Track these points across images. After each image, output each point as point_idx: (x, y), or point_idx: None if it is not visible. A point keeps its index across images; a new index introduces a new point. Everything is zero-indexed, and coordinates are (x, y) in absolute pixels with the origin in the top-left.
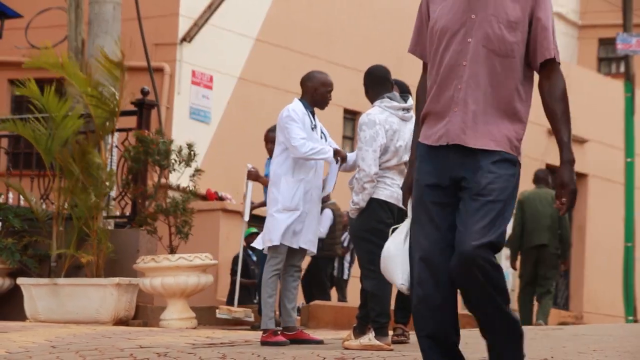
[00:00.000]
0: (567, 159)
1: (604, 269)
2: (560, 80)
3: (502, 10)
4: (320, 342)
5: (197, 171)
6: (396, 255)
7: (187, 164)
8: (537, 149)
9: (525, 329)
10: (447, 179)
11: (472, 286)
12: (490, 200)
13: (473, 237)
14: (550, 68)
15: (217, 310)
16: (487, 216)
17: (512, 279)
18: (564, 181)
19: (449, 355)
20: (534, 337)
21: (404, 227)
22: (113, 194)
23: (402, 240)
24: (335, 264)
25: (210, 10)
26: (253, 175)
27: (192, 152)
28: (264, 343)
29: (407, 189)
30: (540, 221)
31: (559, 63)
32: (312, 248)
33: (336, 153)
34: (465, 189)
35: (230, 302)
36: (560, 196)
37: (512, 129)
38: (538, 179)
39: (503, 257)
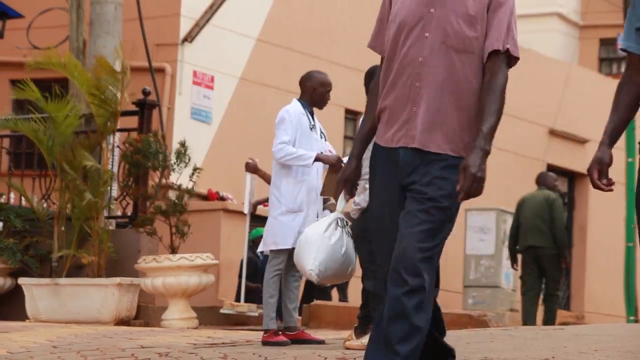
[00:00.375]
0: (480, 146)
1: (605, 269)
2: (502, 75)
3: (462, 4)
4: (321, 342)
5: (196, 170)
6: (312, 242)
7: (179, 162)
8: (537, 149)
9: (526, 329)
10: (400, 181)
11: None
12: (434, 205)
13: (417, 239)
14: (495, 60)
15: (223, 307)
16: (428, 222)
17: (512, 279)
18: (467, 164)
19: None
20: (535, 337)
21: (328, 218)
22: (114, 194)
23: (322, 230)
24: None
25: (212, 10)
26: (251, 167)
27: (184, 151)
28: (265, 343)
29: (342, 182)
30: (532, 222)
31: (513, 58)
32: None
33: (317, 159)
34: (413, 191)
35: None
36: (460, 180)
37: (469, 129)
38: (538, 180)
39: (504, 258)
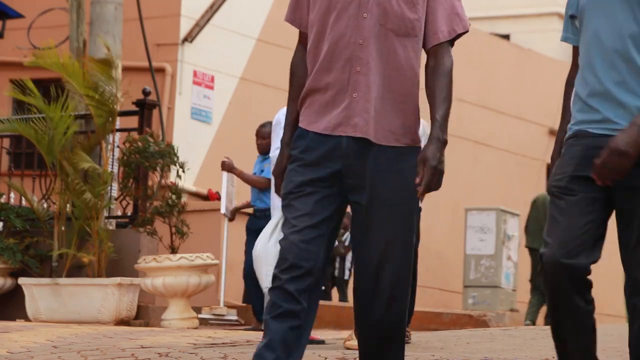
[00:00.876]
0: (437, 136)
1: (605, 269)
2: (448, 59)
3: None
4: (321, 342)
5: (181, 167)
6: (259, 257)
7: (168, 161)
8: (537, 149)
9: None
10: (334, 169)
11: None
12: (399, 206)
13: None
14: (439, 48)
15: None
16: (397, 225)
17: (512, 279)
18: (425, 156)
19: None
20: (534, 337)
21: (273, 220)
22: (114, 194)
23: (266, 240)
24: (337, 264)
25: (212, 10)
26: (227, 166)
27: (171, 152)
28: None
29: (278, 175)
30: (537, 224)
31: (462, 33)
32: None
33: None
34: (358, 185)
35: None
36: (418, 173)
37: (413, 116)
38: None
39: (504, 258)
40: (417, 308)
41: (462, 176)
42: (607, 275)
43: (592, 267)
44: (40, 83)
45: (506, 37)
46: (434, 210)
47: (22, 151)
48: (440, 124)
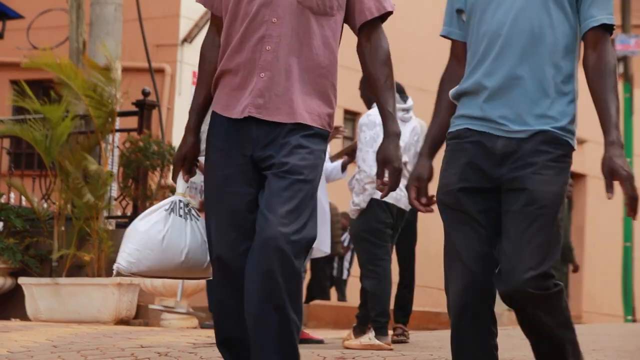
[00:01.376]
0: (394, 131)
1: (603, 269)
2: (384, 41)
3: None
4: (320, 341)
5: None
6: (125, 235)
7: (168, 161)
8: None
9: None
10: (248, 157)
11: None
12: (299, 179)
13: (281, 223)
14: (371, 28)
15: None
16: (294, 198)
17: None
18: (387, 156)
19: None
20: None
21: (160, 204)
22: (114, 194)
23: (139, 219)
24: (335, 264)
25: None
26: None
27: (171, 152)
28: None
29: (179, 161)
30: None
31: (390, 12)
32: (326, 248)
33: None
34: (271, 166)
35: None
36: (381, 174)
37: (327, 98)
38: None
39: None
40: (415, 308)
41: None
42: (604, 275)
43: (591, 266)
44: (40, 84)
45: None
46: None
47: (22, 151)
48: (392, 117)
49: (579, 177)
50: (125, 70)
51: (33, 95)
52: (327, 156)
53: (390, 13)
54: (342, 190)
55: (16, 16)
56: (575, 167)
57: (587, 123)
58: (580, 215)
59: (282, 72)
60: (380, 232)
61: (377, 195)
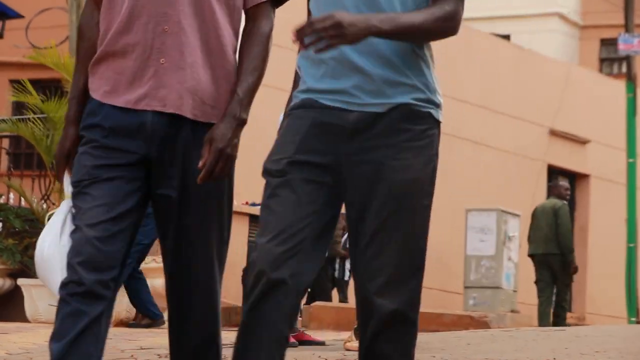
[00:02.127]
0: (233, 113)
1: (606, 270)
2: (266, 23)
3: None
4: (321, 343)
5: None
6: (52, 258)
7: None
8: (537, 149)
9: (527, 330)
10: (137, 152)
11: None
12: (219, 198)
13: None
14: (258, 9)
15: None
16: (213, 222)
17: (513, 280)
18: (213, 136)
19: None
20: (535, 339)
21: (59, 216)
22: None
23: (57, 235)
24: (337, 265)
25: None
26: None
27: None
28: None
29: (63, 158)
30: (540, 231)
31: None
32: None
33: None
34: (173, 181)
35: None
36: (202, 155)
37: (231, 89)
38: (549, 190)
39: (505, 258)
40: None
41: (462, 176)
42: (608, 276)
43: (594, 268)
44: (40, 83)
45: (506, 37)
46: (434, 211)
47: (22, 152)
48: (240, 99)
49: (581, 177)
50: None
51: (36, 94)
52: None
53: (268, 5)
54: None
55: (16, 15)
56: (577, 167)
57: (590, 124)
58: (584, 216)
59: (184, 57)
60: None
61: None
